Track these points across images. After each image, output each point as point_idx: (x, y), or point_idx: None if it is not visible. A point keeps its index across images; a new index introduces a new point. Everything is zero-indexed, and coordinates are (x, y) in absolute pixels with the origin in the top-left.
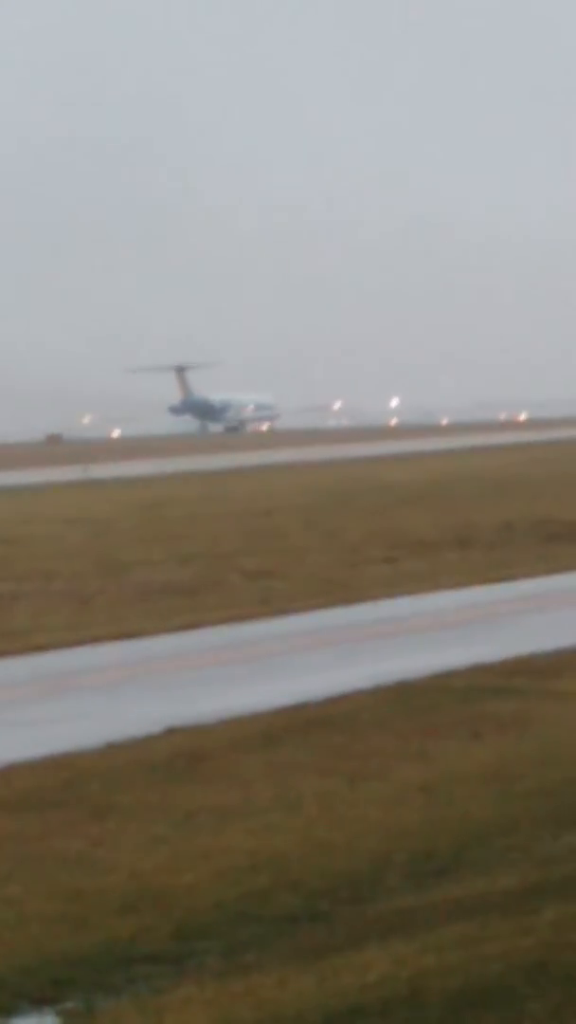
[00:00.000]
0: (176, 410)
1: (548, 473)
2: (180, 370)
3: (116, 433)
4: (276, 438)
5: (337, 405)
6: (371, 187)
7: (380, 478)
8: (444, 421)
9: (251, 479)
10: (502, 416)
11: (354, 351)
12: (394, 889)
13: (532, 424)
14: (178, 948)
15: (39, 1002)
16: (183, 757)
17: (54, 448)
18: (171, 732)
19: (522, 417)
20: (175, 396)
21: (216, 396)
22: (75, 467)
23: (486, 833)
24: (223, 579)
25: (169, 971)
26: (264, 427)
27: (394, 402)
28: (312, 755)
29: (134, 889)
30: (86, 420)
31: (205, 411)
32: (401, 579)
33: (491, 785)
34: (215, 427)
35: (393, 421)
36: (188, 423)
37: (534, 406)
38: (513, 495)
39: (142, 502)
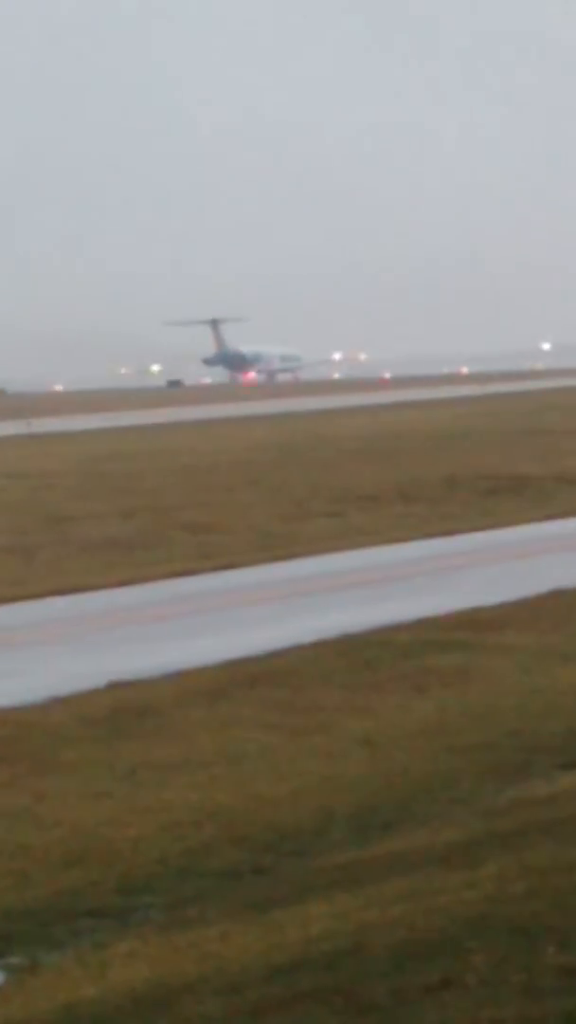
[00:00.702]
0: (210, 361)
1: (490, 427)
2: (214, 323)
3: (59, 387)
4: (224, 392)
5: (337, 356)
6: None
7: (323, 432)
8: (386, 375)
9: (197, 433)
10: (444, 370)
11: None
12: (338, 843)
13: (474, 378)
14: (122, 902)
15: None
16: (126, 712)
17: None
18: (114, 687)
19: (464, 371)
20: (210, 348)
21: (247, 348)
22: (19, 422)
23: (429, 787)
24: (165, 534)
25: (113, 925)
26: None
27: (336, 355)
28: (255, 709)
29: (78, 844)
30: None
31: (237, 362)
32: (345, 533)
33: (434, 739)
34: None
35: (335, 375)
36: (219, 374)
37: (475, 360)
38: (456, 449)
39: (88, 456)
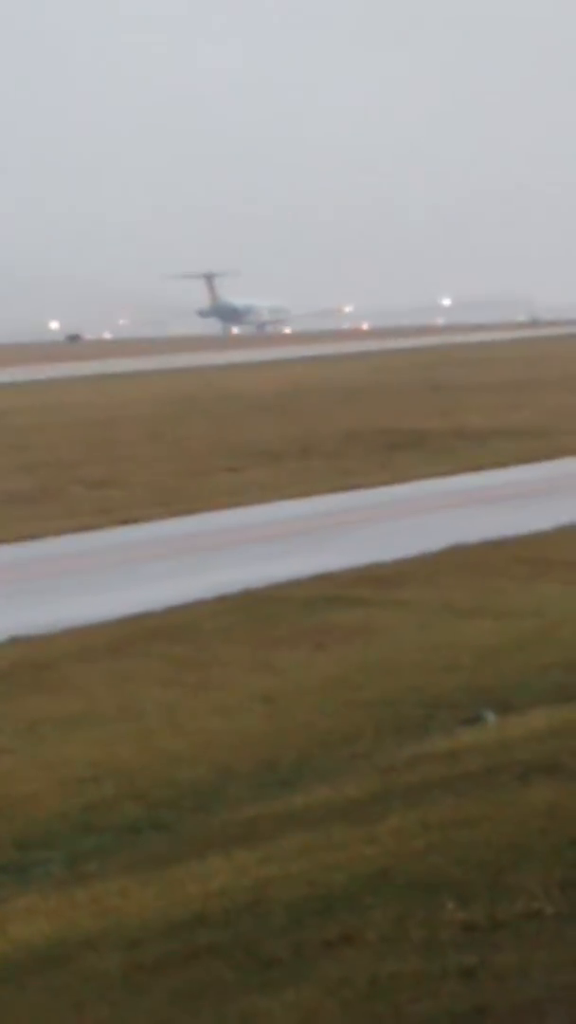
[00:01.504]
0: (204, 313)
1: (390, 382)
2: (209, 277)
3: None
4: (121, 347)
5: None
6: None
7: (224, 387)
8: (287, 330)
9: (97, 388)
10: (345, 325)
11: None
12: (238, 799)
13: (374, 333)
14: (21, 858)
15: None
16: (26, 667)
17: None
18: (14, 641)
19: (365, 326)
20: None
21: (239, 301)
22: None
23: (329, 742)
24: (64, 489)
25: (11, 881)
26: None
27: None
28: (156, 665)
29: None
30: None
31: (230, 314)
32: (245, 488)
33: (334, 695)
34: (237, 329)
35: (234, 330)
36: (212, 326)
37: (375, 315)
38: (356, 404)
39: None
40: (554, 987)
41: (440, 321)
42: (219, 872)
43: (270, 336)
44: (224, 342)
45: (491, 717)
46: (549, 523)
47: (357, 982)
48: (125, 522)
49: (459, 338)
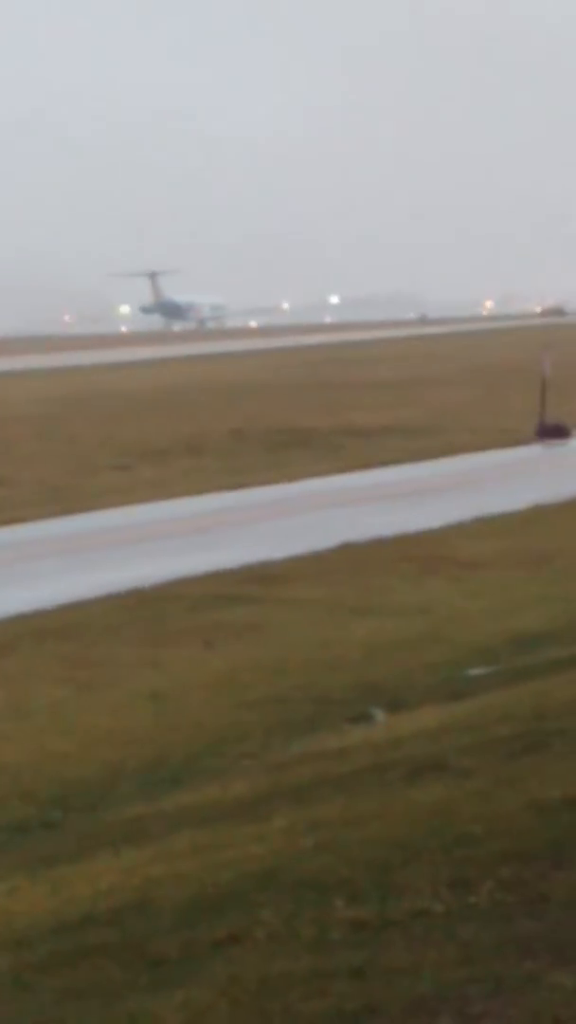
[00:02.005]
0: (147, 310)
1: (278, 380)
2: (153, 275)
3: None
4: (14, 345)
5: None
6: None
7: (112, 385)
8: (176, 328)
9: None
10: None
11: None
12: (126, 797)
13: (263, 332)
14: None
15: None
16: None
17: None
18: None
19: (253, 324)
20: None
21: (180, 297)
22: None
23: (218, 740)
24: None
25: None
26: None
27: (124, 309)
28: (43, 663)
29: None
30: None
31: (172, 311)
32: (133, 487)
33: (223, 693)
34: (179, 325)
35: (123, 328)
36: (155, 322)
37: (264, 312)
38: (245, 402)
39: None
40: (443, 984)
41: (328, 319)
42: (108, 871)
43: (160, 334)
44: (113, 340)
45: (380, 715)
46: (438, 521)
47: (247, 981)
48: (12, 521)
49: (347, 336)
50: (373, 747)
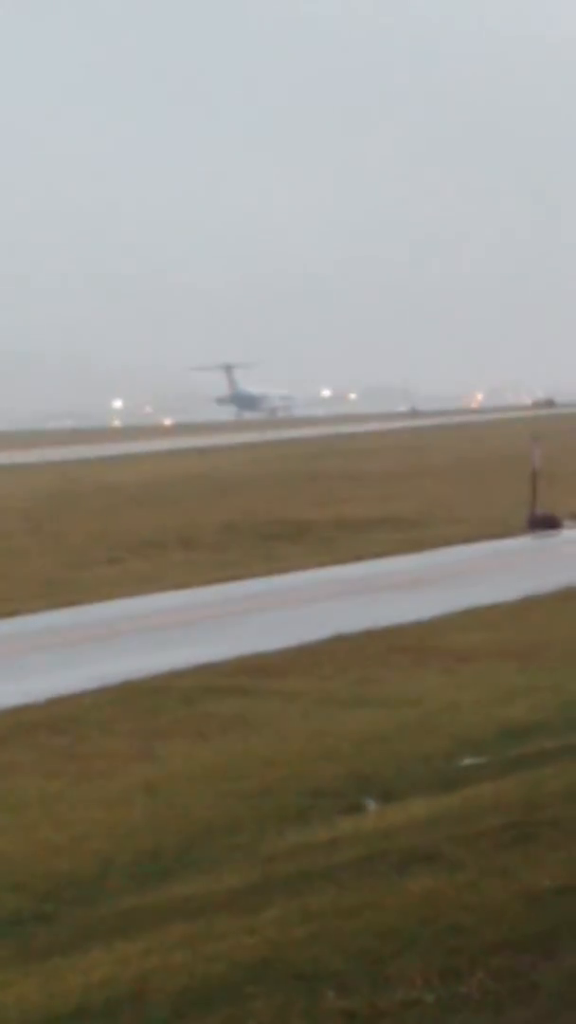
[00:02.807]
0: (222, 401)
1: (268, 473)
2: (228, 368)
3: None
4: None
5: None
6: None
7: (105, 479)
8: (168, 422)
9: None
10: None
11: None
12: (119, 889)
13: (254, 425)
14: None
15: None
16: None
17: None
18: None
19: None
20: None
21: (255, 389)
22: None
23: (211, 832)
24: None
25: None
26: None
27: (117, 403)
28: (36, 756)
29: None
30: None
31: (246, 402)
32: (126, 580)
33: (216, 785)
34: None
35: (115, 422)
36: (230, 411)
37: (327, 403)
38: (237, 495)
39: None
40: None
41: (320, 412)
42: (101, 963)
43: (152, 427)
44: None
45: (372, 805)
46: (429, 612)
47: None
48: (6, 614)
49: (339, 428)
50: (365, 838)
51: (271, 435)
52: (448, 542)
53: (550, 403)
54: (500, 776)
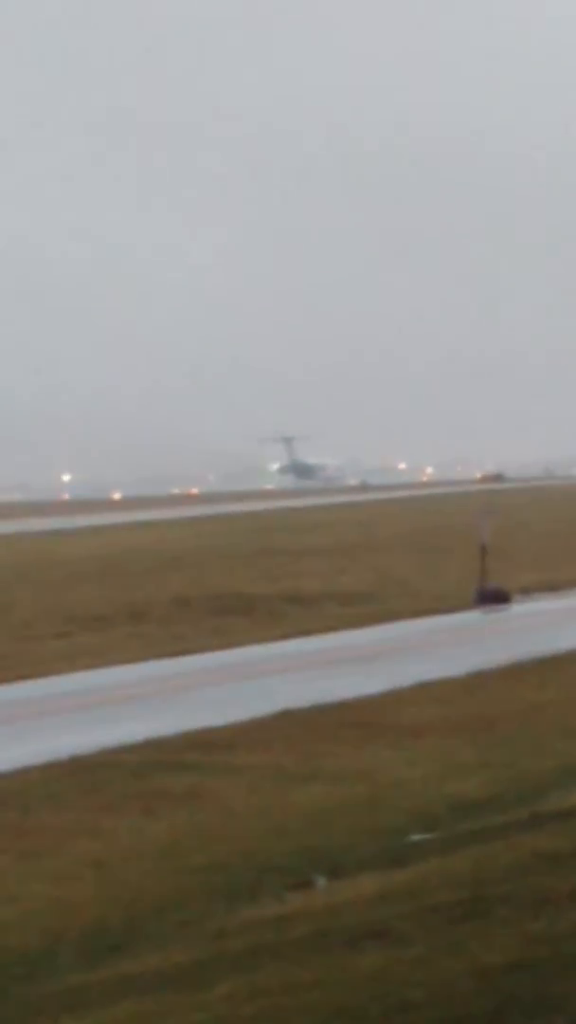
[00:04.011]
0: (283, 470)
1: (218, 547)
2: (288, 440)
3: None
4: None
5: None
6: None
7: (53, 553)
8: (116, 495)
9: None
10: (174, 490)
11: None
12: (67, 966)
13: (203, 498)
14: None
15: None
16: None
17: None
18: None
19: (193, 491)
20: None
21: (312, 459)
22: None
23: (159, 908)
24: None
25: None
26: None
27: (66, 477)
28: None
29: None
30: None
31: (304, 471)
32: (75, 654)
33: (164, 860)
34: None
35: (64, 496)
36: (288, 480)
37: (201, 481)
38: (186, 569)
39: None
40: None
41: (270, 486)
42: None
43: (100, 501)
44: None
45: (321, 882)
46: (378, 687)
47: None
48: None
49: (285, 503)
50: (314, 914)
51: (221, 508)
52: (398, 616)
53: (499, 477)
54: (450, 851)
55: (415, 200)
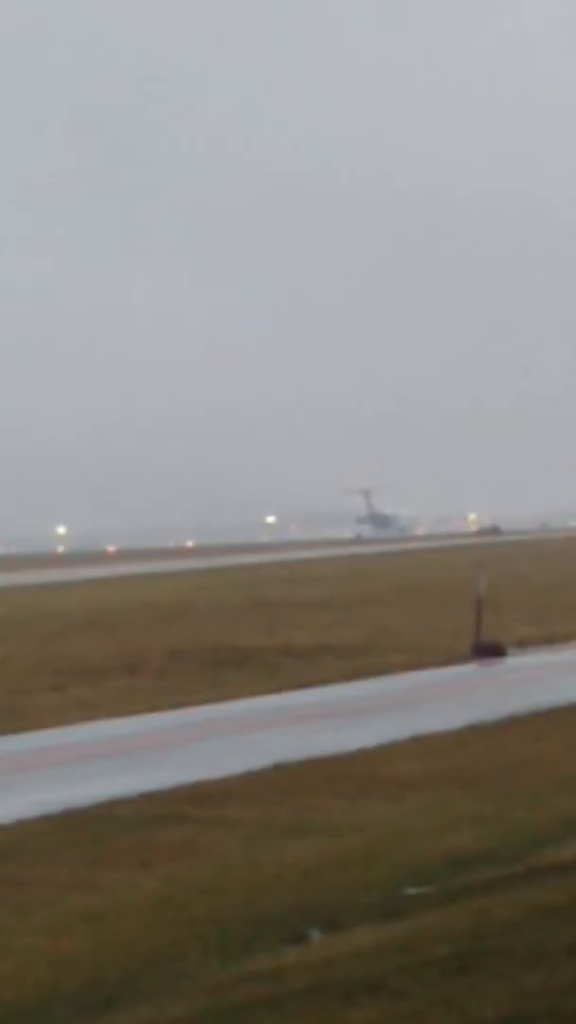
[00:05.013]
0: (360, 520)
1: (214, 600)
2: (367, 492)
3: None
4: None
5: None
6: None
7: (48, 605)
8: (111, 548)
9: None
10: (170, 543)
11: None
12: (62, 1019)
13: (199, 551)
14: None
15: None
16: None
17: None
18: None
19: (190, 544)
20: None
21: (388, 510)
22: None
23: (155, 961)
24: None
25: None
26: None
27: (61, 529)
28: None
29: None
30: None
31: (381, 521)
32: (69, 707)
33: (160, 913)
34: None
35: (59, 548)
36: (366, 529)
37: (202, 533)
38: (181, 622)
39: None
40: None
41: (265, 538)
42: None
43: (95, 553)
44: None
45: (316, 935)
46: (373, 740)
47: None
48: None
49: (285, 555)
50: (309, 968)
51: (219, 561)
52: (393, 670)
53: (495, 530)
54: (445, 905)
55: (446, 263)
